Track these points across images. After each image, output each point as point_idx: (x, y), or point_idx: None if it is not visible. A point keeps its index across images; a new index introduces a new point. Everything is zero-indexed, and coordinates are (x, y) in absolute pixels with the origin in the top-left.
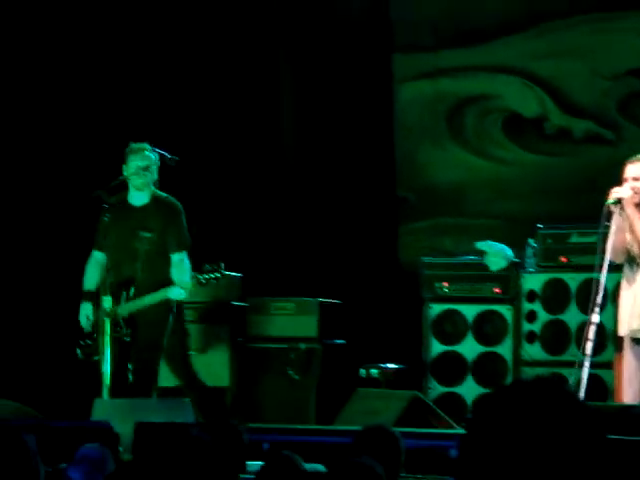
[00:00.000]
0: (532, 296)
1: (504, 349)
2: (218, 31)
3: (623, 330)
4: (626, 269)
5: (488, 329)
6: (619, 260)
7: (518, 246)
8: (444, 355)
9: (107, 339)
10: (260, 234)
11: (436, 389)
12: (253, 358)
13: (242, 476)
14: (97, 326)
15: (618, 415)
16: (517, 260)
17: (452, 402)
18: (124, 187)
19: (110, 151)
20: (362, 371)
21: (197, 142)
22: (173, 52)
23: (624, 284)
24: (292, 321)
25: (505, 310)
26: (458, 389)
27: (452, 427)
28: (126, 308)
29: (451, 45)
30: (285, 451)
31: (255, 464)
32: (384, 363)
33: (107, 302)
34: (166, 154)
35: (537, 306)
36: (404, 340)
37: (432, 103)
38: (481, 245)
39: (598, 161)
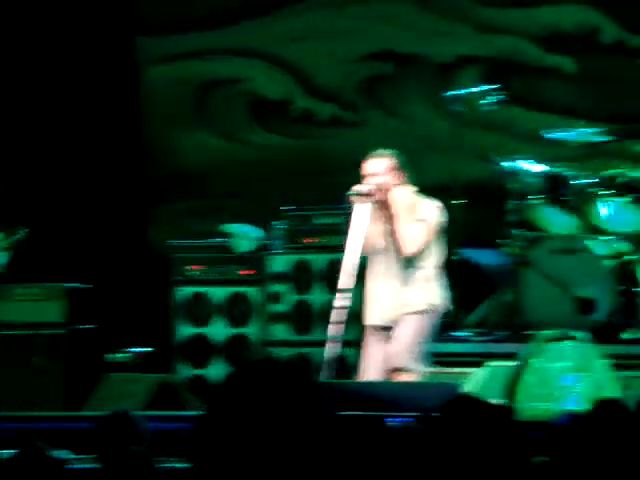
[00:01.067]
0: (278, 277)
1: (252, 330)
2: None
3: (371, 320)
4: (372, 261)
5: (236, 311)
6: (364, 253)
7: (265, 228)
8: (193, 338)
9: None
10: (3, 219)
11: (185, 372)
12: None
13: None
14: None
15: (359, 392)
16: (264, 242)
17: (201, 384)
18: None
19: None
20: (110, 355)
21: None
22: None
23: (371, 275)
24: (37, 307)
25: (253, 292)
26: (207, 371)
27: (200, 409)
28: None
29: (196, 28)
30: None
31: (4, 452)
32: (134, 347)
33: None
34: None
35: (283, 287)
36: (154, 323)
37: (177, 86)
38: (228, 227)
39: (341, 143)
